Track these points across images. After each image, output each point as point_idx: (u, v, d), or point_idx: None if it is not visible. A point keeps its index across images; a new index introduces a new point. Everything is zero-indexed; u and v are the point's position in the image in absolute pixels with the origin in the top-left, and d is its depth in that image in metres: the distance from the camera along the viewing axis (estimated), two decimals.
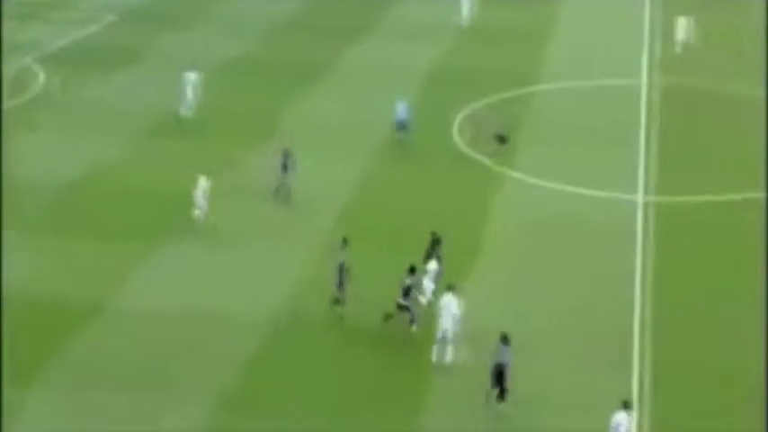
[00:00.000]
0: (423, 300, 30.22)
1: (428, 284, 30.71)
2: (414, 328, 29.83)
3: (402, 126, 43.47)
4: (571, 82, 52.39)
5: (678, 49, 57.20)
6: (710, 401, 27.26)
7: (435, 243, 32.37)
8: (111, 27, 60.94)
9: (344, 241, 31.27)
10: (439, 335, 28.31)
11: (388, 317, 30.19)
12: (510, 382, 26.56)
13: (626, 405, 23.95)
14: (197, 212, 36.34)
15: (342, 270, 30.50)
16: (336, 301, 30.75)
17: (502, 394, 26.59)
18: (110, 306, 31.13)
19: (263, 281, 32.92)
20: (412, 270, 30.00)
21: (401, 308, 29.93)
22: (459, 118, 47.19)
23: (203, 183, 36.48)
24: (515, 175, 41.24)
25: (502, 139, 41.91)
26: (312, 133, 44.77)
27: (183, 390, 27.23)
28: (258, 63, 54.88)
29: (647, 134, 45.43)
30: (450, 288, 28.56)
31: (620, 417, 23.81)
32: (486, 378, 26.71)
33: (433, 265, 31.06)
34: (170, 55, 55.49)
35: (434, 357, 28.45)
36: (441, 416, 26.56)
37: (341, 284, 30.52)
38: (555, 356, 29.12)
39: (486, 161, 42.45)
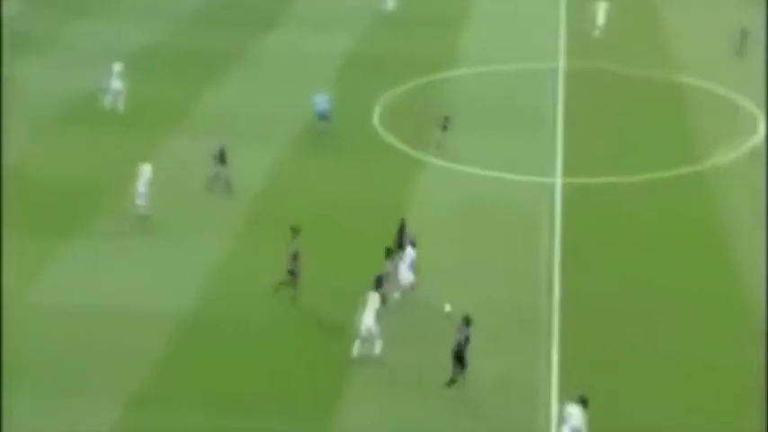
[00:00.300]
0: (396, 294, 30.70)
1: (406, 274, 30.94)
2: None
3: (323, 117, 43.96)
4: (488, 66, 53.06)
5: (597, 33, 58.28)
6: (622, 382, 28.08)
7: (402, 229, 32.73)
8: (18, 15, 60.12)
9: (295, 230, 31.56)
10: (362, 330, 28.55)
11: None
12: (468, 363, 27.29)
13: (582, 401, 24.55)
14: (138, 202, 35.79)
15: (294, 258, 30.84)
16: (282, 285, 31.13)
17: (460, 374, 27.38)
18: (22, 303, 30.94)
19: (183, 275, 32.99)
20: (388, 252, 30.54)
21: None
22: (377, 105, 47.65)
23: (146, 171, 35.94)
24: (435, 161, 41.85)
25: (444, 128, 42.46)
26: (230, 123, 44.78)
27: (96, 389, 27.22)
28: (172, 53, 54.67)
29: (564, 118, 46.31)
30: (377, 284, 28.94)
31: (573, 409, 24.48)
32: (407, 371, 27.43)
33: (410, 251, 31.24)
34: (79, 44, 55.00)
35: (356, 352, 28.71)
36: (358, 411, 26.93)
37: (292, 273, 30.90)
38: (473, 340, 29.73)
39: (406, 148, 43.00)
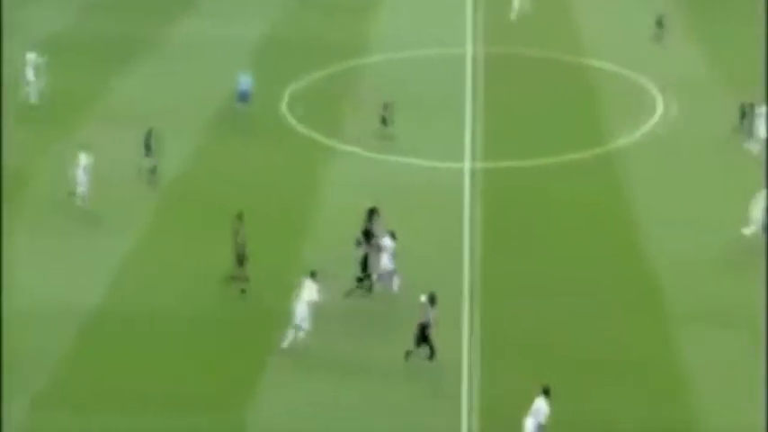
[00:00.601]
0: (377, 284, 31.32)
1: (387, 264, 31.18)
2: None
3: (243, 97, 44.22)
4: (402, 52, 53.51)
5: (513, 17, 59.18)
6: (539, 366, 28.83)
7: (372, 215, 32.89)
8: None
9: (240, 216, 31.75)
10: (295, 320, 28.81)
11: (348, 293, 31.23)
12: (434, 342, 28.06)
13: (545, 392, 25.09)
14: (79, 190, 35.38)
15: (241, 246, 31.15)
16: (234, 278, 31.41)
17: (430, 354, 28.15)
18: None
19: (97, 268, 33.18)
20: (366, 235, 31.01)
21: (361, 280, 31.20)
22: (289, 91, 48.00)
23: (84, 160, 35.52)
24: (347, 148, 42.34)
25: (384, 117, 42.98)
26: (145, 111, 44.80)
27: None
28: (82, 40, 54.37)
29: (478, 102, 46.91)
30: (312, 275, 29.14)
31: (540, 402, 24.98)
32: (330, 361, 28.20)
33: (388, 241, 31.37)
34: None
35: (285, 343, 28.94)
36: (274, 402, 27.39)
37: (240, 261, 31.06)
38: (386, 326, 30.55)
39: (317, 135, 43.49)
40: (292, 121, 45.19)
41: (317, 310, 28.97)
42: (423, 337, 28.03)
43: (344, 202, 37.57)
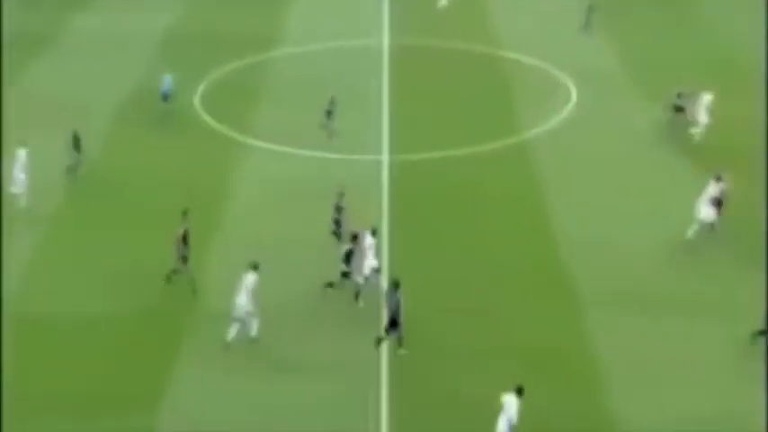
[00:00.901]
0: (359, 279, 31.11)
1: (370, 262, 30.95)
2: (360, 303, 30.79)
3: (165, 97, 44.01)
4: (313, 45, 53.45)
5: (441, 4, 59.29)
6: (453, 354, 29.09)
7: (338, 210, 33.12)
8: None
9: (185, 213, 31.48)
10: (238, 312, 28.82)
11: (330, 285, 31.13)
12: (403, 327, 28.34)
13: (518, 391, 24.88)
14: (14, 190, 34.69)
15: (184, 242, 30.92)
16: (174, 273, 31.17)
17: (399, 341, 28.43)
18: None
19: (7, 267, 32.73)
20: (354, 238, 30.97)
21: (345, 275, 31.03)
22: (199, 85, 47.71)
23: (22, 155, 34.71)
24: (259, 143, 42.17)
25: (329, 112, 42.63)
26: (46, 108, 44.39)
27: None
28: None
29: (391, 95, 47.06)
30: (254, 267, 29.11)
31: (511, 398, 24.83)
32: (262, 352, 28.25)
33: (370, 239, 31.22)
34: None
35: (230, 336, 28.89)
36: (184, 404, 27.17)
37: (184, 258, 30.96)
38: (307, 322, 30.50)
39: (229, 131, 43.27)
40: (204, 115, 44.94)
41: (257, 300, 29.01)
42: (392, 323, 28.29)
43: (257, 196, 37.43)
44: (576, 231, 35.24)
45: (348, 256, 31.04)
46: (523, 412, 24.74)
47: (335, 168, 40.06)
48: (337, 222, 33.33)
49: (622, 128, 43.74)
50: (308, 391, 27.51)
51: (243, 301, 28.72)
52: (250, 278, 28.82)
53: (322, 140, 41.85)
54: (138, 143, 42.02)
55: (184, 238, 30.96)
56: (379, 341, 28.76)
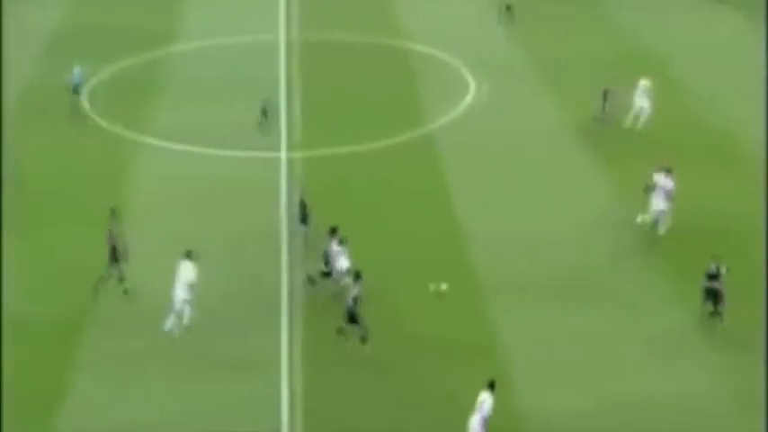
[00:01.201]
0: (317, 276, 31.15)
1: (344, 262, 30.63)
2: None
3: (75, 89, 43.59)
4: (209, 40, 52.88)
5: None
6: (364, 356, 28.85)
7: (303, 206, 33.34)
8: None
9: (113, 212, 31.30)
10: (175, 303, 28.98)
11: (311, 280, 31.18)
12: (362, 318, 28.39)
13: (491, 386, 24.97)
14: None
15: (115, 241, 30.74)
16: (103, 279, 30.83)
17: (363, 336, 28.50)
18: None
19: None
20: (333, 232, 30.85)
21: (326, 275, 30.85)
22: (90, 83, 46.48)
23: None
24: (154, 142, 41.37)
25: (265, 110, 42.24)
26: None
27: None
28: None
29: (294, 90, 46.59)
30: (188, 255, 29.26)
31: (485, 395, 24.84)
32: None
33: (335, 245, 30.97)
34: None
35: (168, 326, 28.99)
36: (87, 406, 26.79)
37: (115, 260, 30.57)
38: (226, 320, 30.19)
39: (123, 130, 42.32)
40: (95, 111, 43.95)
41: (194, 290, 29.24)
42: (350, 319, 28.39)
43: (151, 196, 36.89)
44: (481, 223, 35.29)
45: (326, 255, 30.84)
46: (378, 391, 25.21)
47: (236, 167, 39.43)
48: (304, 218, 33.48)
49: (527, 120, 43.83)
50: (224, 390, 27.31)
51: (180, 290, 28.97)
52: (185, 267, 29.02)
53: (222, 138, 41.22)
54: (26, 139, 41.16)
55: (113, 238, 30.75)
56: (340, 330, 28.70)
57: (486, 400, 24.89)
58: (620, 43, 52.44)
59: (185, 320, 29.14)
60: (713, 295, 29.72)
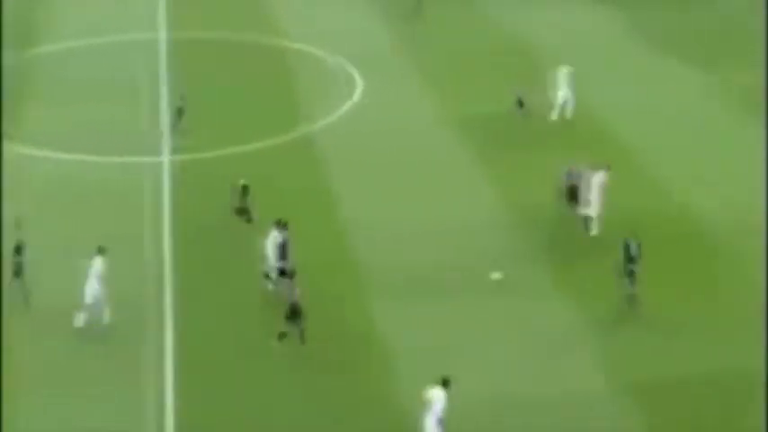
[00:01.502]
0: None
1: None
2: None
3: None
4: (80, 41, 51.92)
5: None
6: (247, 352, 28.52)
7: (245, 193, 33.98)
8: None
9: (18, 223, 31.15)
10: (88, 299, 28.88)
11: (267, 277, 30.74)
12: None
13: (444, 383, 24.20)
14: None
15: (19, 252, 30.24)
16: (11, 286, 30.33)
17: (301, 334, 28.32)
18: None
19: None
20: (284, 226, 30.67)
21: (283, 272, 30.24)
22: None
23: None
24: (23, 149, 40.07)
25: (180, 111, 41.31)
26: None
27: None
28: None
29: (167, 90, 45.71)
30: (100, 251, 29.14)
31: (437, 393, 23.99)
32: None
33: (276, 233, 30.67)
34: None
35: (80, 323, 28.95)
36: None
37: (18, 272, 30.21)
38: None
39: None
40: None
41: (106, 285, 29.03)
42: (292, 314, 28.25)
43: (28, 206, 35.55)
44: (364, 219, 35.18)
45: (283, 248, 30.42)
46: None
47: (111, 172, 38.48)
48: (245, 210, 34.04)
49: (409, 116, 43.73)
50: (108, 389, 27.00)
51: (92, 287, 28.91)
52: (97, 263, 29.00)
53: (90, 143, 40.29)
54: None
55: (18, 249, 30.34)
56: (282, 335, 28.29)
57: (438, 399, 24.08)
58: (504, 39, 52.54)
59: (105, 320, 29.05)
60: (631, 276, 29.60)
